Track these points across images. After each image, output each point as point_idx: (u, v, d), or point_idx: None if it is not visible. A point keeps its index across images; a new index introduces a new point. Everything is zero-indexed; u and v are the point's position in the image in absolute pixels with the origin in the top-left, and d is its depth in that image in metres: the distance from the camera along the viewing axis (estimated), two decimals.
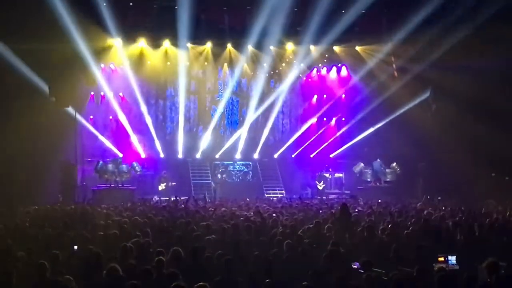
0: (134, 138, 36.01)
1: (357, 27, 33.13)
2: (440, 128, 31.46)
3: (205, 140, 38.05)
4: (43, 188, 28.36)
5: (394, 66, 34.48)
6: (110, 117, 35.62)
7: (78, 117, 31.20)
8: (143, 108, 36.90)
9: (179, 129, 37.45)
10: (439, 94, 32.73)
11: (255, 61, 37.10)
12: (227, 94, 38.46)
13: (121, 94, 35.93)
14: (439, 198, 28.25)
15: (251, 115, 38.10)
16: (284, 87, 38.49)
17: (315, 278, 9.92)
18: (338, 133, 38.24)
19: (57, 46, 27.35)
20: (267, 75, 38.22)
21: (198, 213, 20.10)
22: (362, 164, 36.23)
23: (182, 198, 27.12)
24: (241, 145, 38.02)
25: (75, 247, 13.12)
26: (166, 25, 32.40)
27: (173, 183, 35.07)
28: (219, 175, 37.08)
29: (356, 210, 21.80)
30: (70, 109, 30.51)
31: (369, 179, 36.07)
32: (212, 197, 31.60)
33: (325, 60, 37.69)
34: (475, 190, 28.17)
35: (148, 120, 37.02)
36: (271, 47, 35.43)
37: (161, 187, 34.61)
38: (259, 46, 35.30)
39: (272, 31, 32.88)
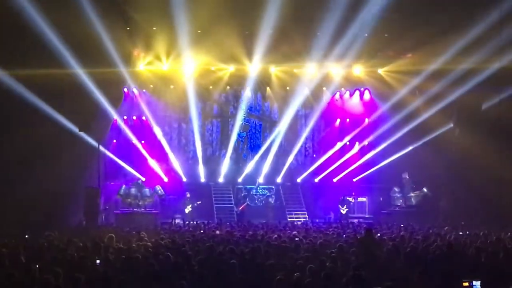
0: (156, 162, 36.07)
1: (380, 51, 33.34)
2: (464, 152, 31.31)
3: (228, 164, 38.09)
4: (67, 212, 28.54)
5: (417, 93, 34.37)
6: (133, 141, 35.66)
7: (99, 140, 31.33)
8: (166, 132, 37.14)
9: (198, 153, 37.55)
10: (462, 118, 32.67)
11: (277, 85, 37.21)
12: (247, 117, 38.69)
13: (144, 117, 36.06)
14: (462, 223, 28.04)
15: (275, 139, 38.22)
16: (307, 111, 38.67)
17: None
18: (363, 159, 37.93)
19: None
20: (290, 99, 38.20)
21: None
22: (396, 189, 36.04)
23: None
24: (265, 169, 37.99)
25: (97, 261, 13.23)
26: (187, 49, 32.73)
27: (199, 202, 35.08)
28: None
29: (379, 234, 21.68)
30: (92, 134, 30.72)
31: (398, 203, 35.83)
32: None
33: (348, 84, 37.65)
34: (500, 214, 27.93)
35: (171, 144, 37.19)
36: (294, 71, 35.60)
37: (188, 209, 34.58)
38: (282, 69, 35.51)
39: (295, 54, 33.05)
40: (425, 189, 34.91)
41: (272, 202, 37.15)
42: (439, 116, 33.29)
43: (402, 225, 27.20)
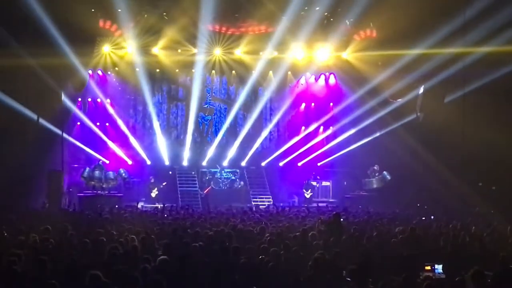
0: (120, 145, 35.81)
1: (345, 35, 33.47)
2: (426, 137, 31.53)
3: (192, 148, 37.96)
4: (29, 195, 28.18)
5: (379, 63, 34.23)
6: (97, 123, 35.34)
7: (62, 126, 30.97)
8: (130, 115, 37.01)
9: (160, 136, 37.35)
10: (426, 107, 32.85)
11: (243, 69, 37.09)
12: (213, 101, 38.73)
13: (108, 100, 35.75)
14: (425, 207, 28.34)
15: (240, 123, 38.37)
16: (271, 95, 38.63)
17: (301, 286, 9.92)
18: (328, 145, 37.91)
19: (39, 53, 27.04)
20: (255, 82, 38.16)
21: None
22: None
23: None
24: (231, 153, 37.99)
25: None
26: (153, 31, 32.63)
27: (164, 183, 35.06)
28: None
29: (342, 218, 21.81)
30: (53, 120, 30.34)
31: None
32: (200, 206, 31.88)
33: (313, 68, 37.61)
34: (462, 199, 28.25)
35: (135, 127, 37.03)
36: (260, 54, 35.45)
37: (154, 193, 34.45)
38: (247, 53, 35.40)
39: (260, 38, 33.02)
40: (385, 172, 35.07)
41: (237, 186, 37.12)
42: (406, 104, 33.43)
43: (366, 210, 27.40)
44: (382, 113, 34.16)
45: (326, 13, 31.36)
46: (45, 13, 26.32)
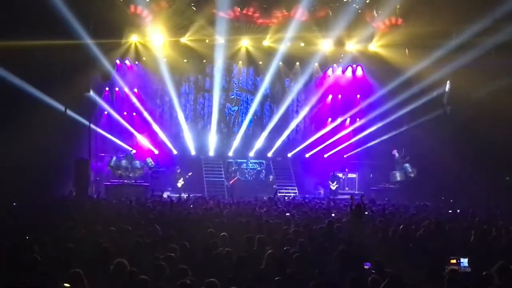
0: (146, 135, 35.96)
1: (372, 27, 33.24)
2: (454, 130, 31.29)
3: (219, 138, 38.04)
4: (56, 183, 28.40)
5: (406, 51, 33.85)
6: (125, 113, 35.50)
7: (90, 117, 31.08)
8: (157, 105, 37.12)
9: (185, 127, 37.40)
10: (454, 96, 32.57)
11: (270, 59, 36.84)
12: (239, 91, 38.79)
13: (136, 90, 35.87)
14: (451, 200, 28.18)
15: (267, 114, 38.49)
16: (298, 87, 38.48)
17: (324, 277, 9.93)
18: (355, 138, 37.68)
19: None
20: (282, 74, 38.20)
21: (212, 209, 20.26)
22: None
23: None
24: (257, 144, 38.02)
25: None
26: (182, 21, 32.62)
27: (190, 174, 35.14)
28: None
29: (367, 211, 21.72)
30: (81, 111, 30.43)
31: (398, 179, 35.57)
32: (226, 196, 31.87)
33: (340, 60, 37.53)
34: (489, 192, 28.05)
35: (162, 117, 37.16)
36: (287, 45, 35.28)
37: (180, 183, 34.52)
38: (274, 44, 35.26)
39: (287, 29, 32.90)
40: (407, 165, 34.81)
41: (263, 176, 37.16)
42: (433, 97, 33.20)
43: (392, 202, 27.27)
44: (410, 106, 33.83)
45: (355, 5, 31.24)
46: (73, 3, 26.26)
